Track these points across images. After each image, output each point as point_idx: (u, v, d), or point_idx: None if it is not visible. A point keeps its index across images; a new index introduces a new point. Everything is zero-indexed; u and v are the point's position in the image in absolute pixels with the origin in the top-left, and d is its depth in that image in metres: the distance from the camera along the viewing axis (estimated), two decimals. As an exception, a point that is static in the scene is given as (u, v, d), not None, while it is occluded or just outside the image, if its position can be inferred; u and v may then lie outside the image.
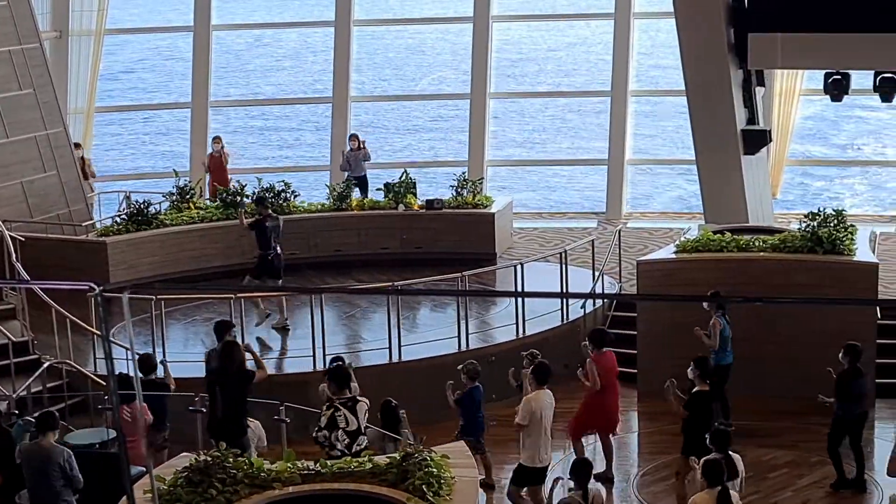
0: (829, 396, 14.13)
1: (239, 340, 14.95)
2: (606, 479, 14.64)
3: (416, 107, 50.66)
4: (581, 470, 11.30)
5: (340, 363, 13.72)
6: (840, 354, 14.16)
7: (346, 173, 23.07)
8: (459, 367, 14.51)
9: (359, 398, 12.46)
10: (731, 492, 10.85)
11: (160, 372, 14.66)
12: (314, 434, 12.37)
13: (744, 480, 11.87)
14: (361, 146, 23.17)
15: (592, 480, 11.65)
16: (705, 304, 15.62)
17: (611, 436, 14.93)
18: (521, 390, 14.43)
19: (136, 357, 14.51)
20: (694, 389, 13.52)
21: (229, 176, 23.81)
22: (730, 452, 11.65)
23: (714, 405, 13.81)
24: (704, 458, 11.18)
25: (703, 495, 10.75)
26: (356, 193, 22.41)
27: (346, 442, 12.13)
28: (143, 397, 13.29)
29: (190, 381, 14.87)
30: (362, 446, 12.13)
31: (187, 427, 14.07)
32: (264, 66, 60.36)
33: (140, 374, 13.89)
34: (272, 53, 62.10)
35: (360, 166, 23.10)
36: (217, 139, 24.20)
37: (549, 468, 13.53)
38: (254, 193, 21.05)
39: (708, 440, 11.78)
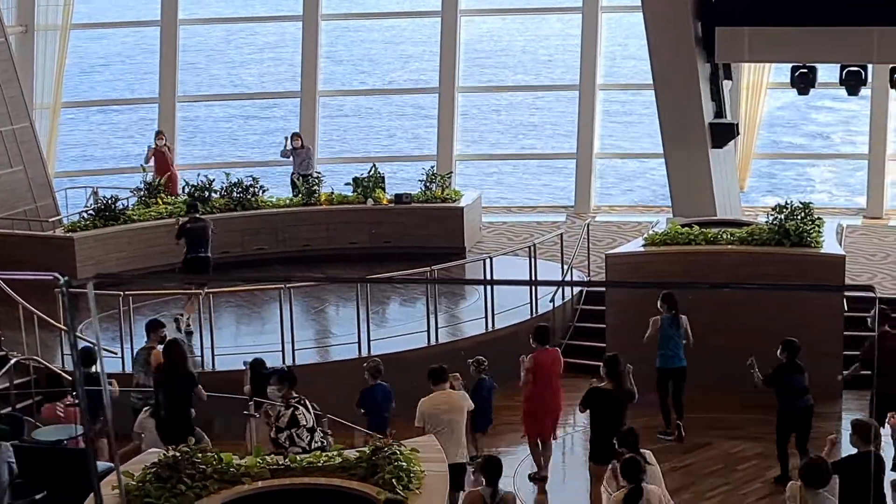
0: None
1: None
2: (541, 478, 14.66)
3: (389, 101, 50.60)
4: (491, 468, 11.10)
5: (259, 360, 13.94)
6: (778, 351, 14.22)
7: (295, 170, 23.00)
8: (364, 364, 14.44)
9: (302, 397, 12.74)
10: (648, 486, 10.76)
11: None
12: (273, 436, 12.44)
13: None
14: (304, 146, 23.13)
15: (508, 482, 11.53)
16: (658, 304, 15.66)
17: (551, 437, 14.80)
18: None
19: (81, 348, 14.46)
20: (592, 385, 13.41)
21: (176, 172, 23.59)
22: (640, 451, 11.42)
23: (615, 405, 13.26)
24: (623, 458, 11.00)
25: (623, 492, 10.67)
26: (294, 192, 22.43)
27: (308, 439, 12.19)
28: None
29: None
30: (319, 442, 12.19)
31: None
32: (242, 60, 60.23)
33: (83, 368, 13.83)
34: (251, 47, 61.90)
35: (301, 165, 22.97)
36: (160, 134, 23.97)
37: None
38: (191, 192, 21.07)
39: (617, 443, 11.52)
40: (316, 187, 22.00)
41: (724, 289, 17.24)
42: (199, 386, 13.73)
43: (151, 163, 23.38)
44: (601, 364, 13.49)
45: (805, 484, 10.68)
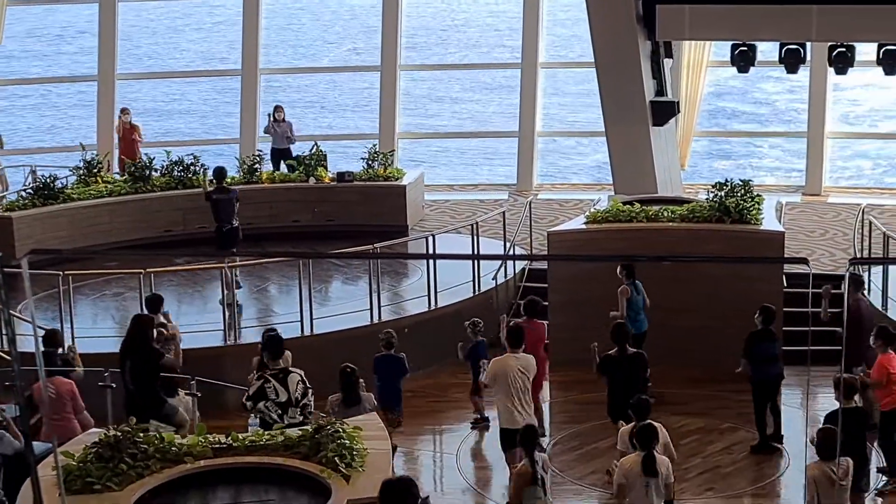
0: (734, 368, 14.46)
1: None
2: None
3: (330, 79, 50.42)
4: (531, 435, 11.50)
5: (273, 332, 13.66)
6: (755, 315, 14.45)
7: (271, 146, 22.96)
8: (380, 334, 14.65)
9: (291, 369, 12.36)
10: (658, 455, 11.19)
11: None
12: (243, 401, 12.34)
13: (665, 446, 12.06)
14: (286, 120, 23.07)
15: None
16: (618, 272, 15.82)
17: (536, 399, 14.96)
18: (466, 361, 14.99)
19: (43, 333, 14.33)
20: (605, 353, 13.77)
21: (140, 149, 23.50)
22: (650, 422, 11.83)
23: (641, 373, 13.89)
24: (637, 425, 11.42)
25: (634, 456, 11.14)
26: (282, 168, 22.33)
27: (277, 413, 12.07)
28: (55, 373, 13.20)
29: (100, 357, 14.75)
30: (296, 419, 12.00)
31: (96, 402, 13.94)
32: (185, 38, 59.79)
33: (45, 349, 13.69)
34: (193, 25, 61.48)
35: (281, 139, 22.94)
36: (125, 111, 23.85)
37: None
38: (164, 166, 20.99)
39: (632, 412, 11.98)
40: (258, 165, 21.86)
41: (664, 262, 17.34)
42: (167, 356, 13.49)
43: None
44: (610, 332, 13.80)
45: (823, 458, 10.91)
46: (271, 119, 23.04)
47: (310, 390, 12.31)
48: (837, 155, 32.24)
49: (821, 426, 11.29)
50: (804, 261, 16.65)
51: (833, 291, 15.33)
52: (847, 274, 15.76)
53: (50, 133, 44.06)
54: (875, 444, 13.52)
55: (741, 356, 14.46)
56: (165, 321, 14.88)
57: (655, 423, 11.63)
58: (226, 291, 17.22)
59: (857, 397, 12.48)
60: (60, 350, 14.14)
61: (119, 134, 23.70)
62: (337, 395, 12.85)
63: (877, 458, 13.58)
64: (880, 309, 16.55)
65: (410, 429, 15.11)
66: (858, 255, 17.98)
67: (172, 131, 42.63)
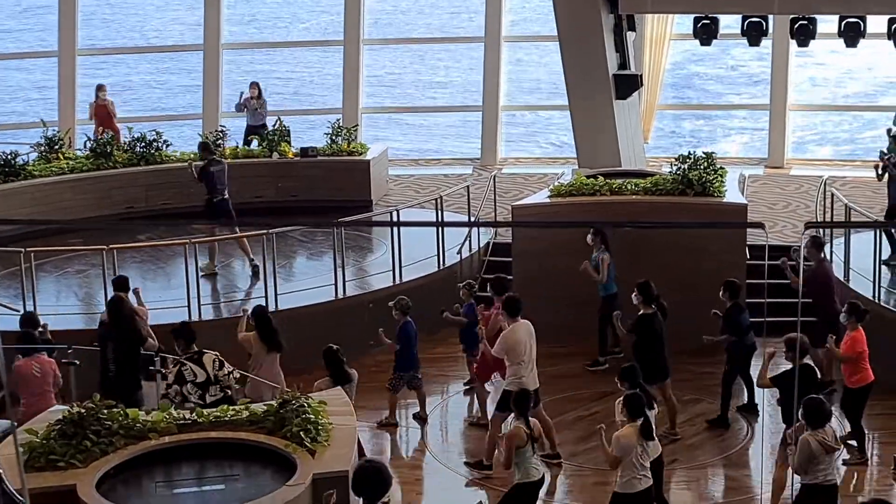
0: (714, 335, 14.55)
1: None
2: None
3: (292, 54, 50.18)
4: (524, 400, 11.76)
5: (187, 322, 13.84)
6: (720, 292, 14.50)
7: (246, 122, 22.86)
8: (391, 302, 14.86)
9: (205, 350, 12.47)
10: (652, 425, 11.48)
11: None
12: (164, 392, 12.36)
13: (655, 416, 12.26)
14: (261, 96, 22.96)
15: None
16: (589, 239, 15.97)
17: None
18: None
19: (21, 314, 14.32)
20: (639, 313, 14.03)
21: (118, 125, 23.31)
22: (643, 386, 12.21)
23: (661, 331, 14.12)
24: (625, 394, 11.65)
25: (628, 428, 11.26)
26: (255, 144, 22.23)
27: (198, 394, 12.08)
28: (38, 351, 13.17)
29: (64, 334, 14.68)
30: (217, 396, 12.06)
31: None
32: (146, 13, 59.35)
33: (27, 330, 13.64)
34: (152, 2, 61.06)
35: (257, 115, 22.82)
36: (101, 87, 23.64)
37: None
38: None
39: (618, 379, 12.22)
40: (221, 141, 21.76)
41: (625, 227, 17.45)
42: (149, 340, 13.57)
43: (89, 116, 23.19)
44: (635, 291, 14.12)
45: (813, 427, 11.02)
46: (246, 96, 22.91)
47: (226, 366, 12.37)
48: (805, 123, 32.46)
49: (809, 397, 11.33)
50: (760, 225, 16.78)
51: (790, 263, 15.44)
52: (805, 239, 15.86)
53: (9, 109, 43.70)
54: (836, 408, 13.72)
55: (721, 330, 14.52)
56: (137, 300, 14.83)
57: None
58: (198, 264, 17.26)
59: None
60: (39, 329, 14.08)
61: (92, 113, 23.36)
62: (325, 379, 12.88)
63: (839, 426, 13.67)
64: (842, 279, 16.66)
65: (376, 403, 15.12)
66: (820, 231, 18.06)
67: (134, 107, 42.35)
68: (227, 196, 18.20)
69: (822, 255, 15.61)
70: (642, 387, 12.17)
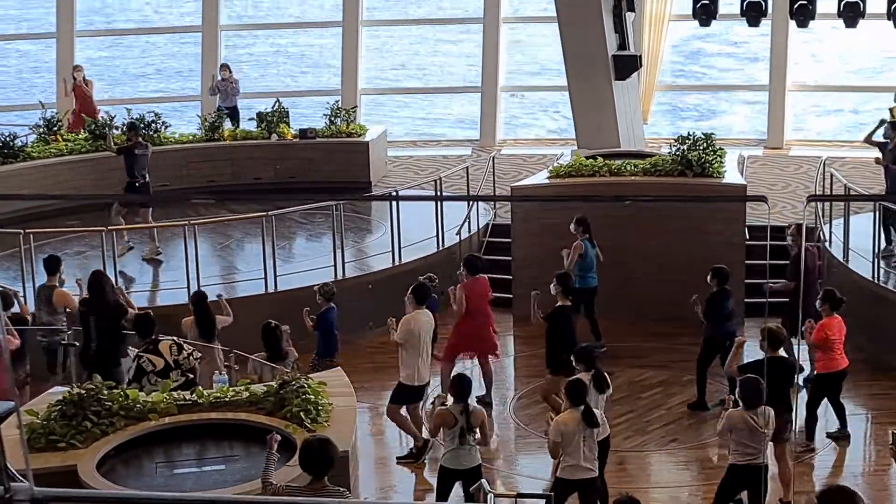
0: (698, 321, 14.51)
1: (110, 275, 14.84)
2: (485, 403, 14.78)
3: (290, 35, 50.07)
4: (460, 385, 11.49)
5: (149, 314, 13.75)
6: (708, 277, 14.45)
7: (218, 104, 22.86)
8: (315, 287, 14.62)
9: (161, 337, 12.27)
10: (594, 410, 11.23)
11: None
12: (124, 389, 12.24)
13: (609, 398, 12.20)
14: (232, 77, 22.95)
15: (473, 398, 11.81)
16: (572, 227, 15.86)
17: (490, 360, 15.04)
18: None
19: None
20: (556, 304, 13.81)
21: (97, 107, 23.31)
22: (599, 368, 12.04)
23: (573, 325, 13.99)
24: (569, 378, 11.51)
25: (567, 414, 11.13)
26: (227, 124, 22.19)
27: (158, 383, 11.88)
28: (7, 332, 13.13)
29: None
30: (180, 380, 11.91)
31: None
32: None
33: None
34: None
35: (230, 97, 22.85)
36: (78, 68, 23.60)
37: (429, 387, 13.76)
38: (124, 123, 20.75)
39: (574, 360, 12.09)
40: (218, 122, 21.74)
41: (625, 202, 17.47)
42: (131, 311, 13.51)
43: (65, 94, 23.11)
44: (554, 281, 13.87)
45: (748, 406, 11.06)
46: (217, 79, 22.91)
47: (185, 348, 12.22)
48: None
49: (747, 376, 11.37)
50: (763, 199, 16.76)
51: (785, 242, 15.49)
52: (808, 212, 15.88)
53: (9, 91, 43.61)
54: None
55: (701, 318, 14.47)
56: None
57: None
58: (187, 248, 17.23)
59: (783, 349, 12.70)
60: (11, 312, 14.06)
61: (65, 93, 23.26)
62: (262, 354, 12.91)
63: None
64: (841, 260, 16.67)
65: (375, 384, 15.14)
66: (819, 208, 18.06)
67: (132, 88, 42.28)
68: (147, 181, 18.19)
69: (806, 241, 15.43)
70: (598, 370, 12.05)
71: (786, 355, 12.85)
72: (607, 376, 12.21)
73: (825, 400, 13.63)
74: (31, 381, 13.65)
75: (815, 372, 13.72)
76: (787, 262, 15.50)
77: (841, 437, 13.66)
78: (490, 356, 15.04)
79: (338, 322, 14.28)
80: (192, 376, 12.00)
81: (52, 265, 14.77)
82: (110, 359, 12.90)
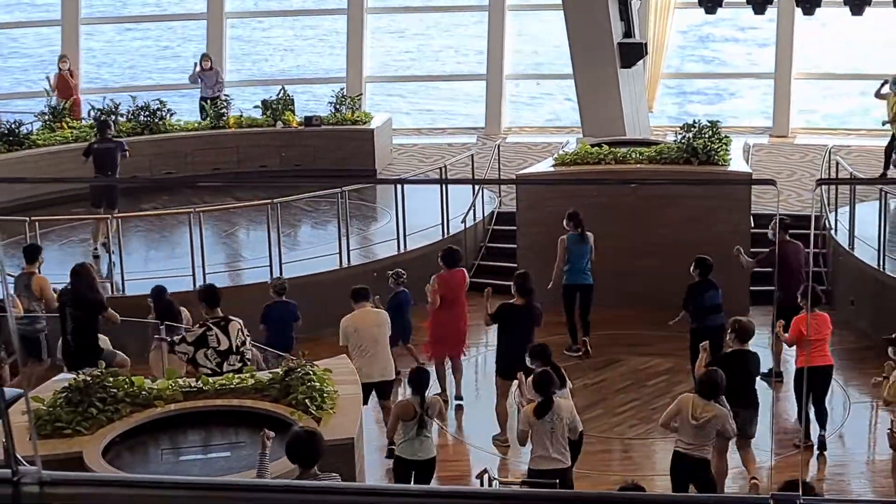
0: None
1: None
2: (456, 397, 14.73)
3: (294, 23, 50.00)
4: (418, 377, 11.65)
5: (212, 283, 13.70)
6: (691, 268, 14.39)
7: (201, 94, 22.82)
8: (270, 281, 14.67)
9: (231, 318, 12.21)
10: (559, 399, 11.24)
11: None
12: (174, 347, 12.16)
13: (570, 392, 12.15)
14: (213, 68, 22.90)
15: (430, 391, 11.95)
16: (564, 223, 15.74)
17: (461, 356, 14.85)
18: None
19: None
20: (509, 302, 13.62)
21: (80, 96, 23.25)
22: (554, 364, 11.99)
23: (525, 321, 13.51)
24: (534, 372, 11.53)
25: (533, 405, 11.23)
26: (198, 115, 22.23)
27: (216, 361, 11.92)
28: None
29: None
30: (235, 366, 11.90)
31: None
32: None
33: None
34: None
35: (210, 88, 22.74)
36: (63, 58, 23.57)
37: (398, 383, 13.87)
38: (99, 114, 20.79)
39: (529, 357, 12.08)
40: (224, 110, 21.80)
41: (631, 185, 17.44)
42: (110, 310, 13.50)
43: (50, 86, 23.03)
44: (512, 282, 13.65)
45: (701, 394, 11.10)
46: (198, 68, 22.89)
47: (248, 338, 12.23)
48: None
49: (710, 369, 11.39)
50: (772, 182, 16.73)
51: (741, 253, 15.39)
52: (817, 196, 15.85)
53: (14, 78, 43.61)
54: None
55: (683, 309, 14.44)
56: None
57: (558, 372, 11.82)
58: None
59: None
60: None
61: (54, 83, 23.21)
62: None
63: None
64: (846, 248, 16.66)
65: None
66: (826, 198, 18.05)
67: (138, 75, 42.30)
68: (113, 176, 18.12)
69: (787, 235, 15.24)
70: (554, 365, 11.91)
71: (749, 349, 12.71)
72: (563, 371, 12.09)
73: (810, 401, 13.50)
74: (12, 368, 13.65)
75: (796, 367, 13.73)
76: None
77: (819, 444, 13.24)
78: (461, 352, 14.81)
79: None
80: (244, 367, 11.96)
81: (32, 253, 14.75)
82: (91, 353, 12.82)
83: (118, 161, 18.00)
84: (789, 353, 14.65)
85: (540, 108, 36.63)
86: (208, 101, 22.27)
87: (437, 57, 46.62)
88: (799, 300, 13.56)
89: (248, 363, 12.08)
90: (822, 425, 13.29)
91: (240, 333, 12.09)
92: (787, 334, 13.26)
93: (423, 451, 11.56)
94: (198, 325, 12.17)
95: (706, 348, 12.35)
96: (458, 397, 14.68)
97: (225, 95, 22.65)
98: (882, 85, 19.54)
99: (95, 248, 17.78)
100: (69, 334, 13.14)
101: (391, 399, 13.46)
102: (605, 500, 3.52)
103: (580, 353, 15.69)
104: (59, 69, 23.14)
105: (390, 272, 15.05)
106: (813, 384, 13.36)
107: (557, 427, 11.11)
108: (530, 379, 11.54)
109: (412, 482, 11.47)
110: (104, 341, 13.42)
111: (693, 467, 11.13)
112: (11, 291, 14.62)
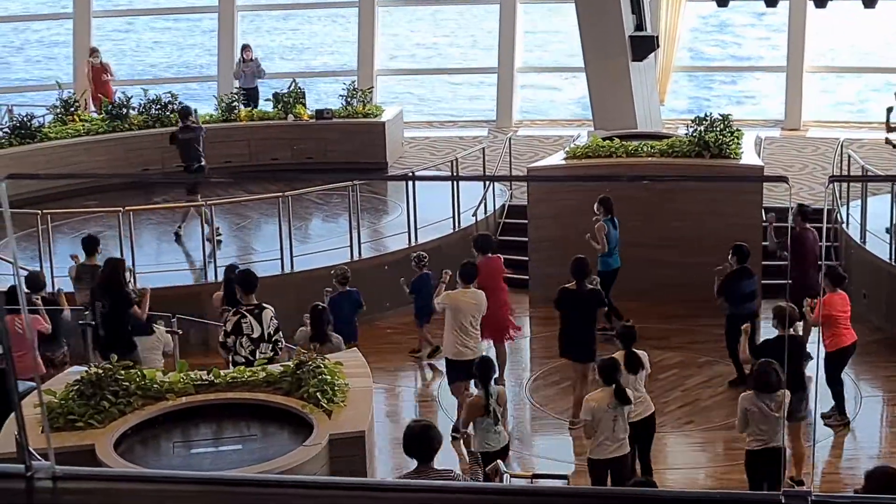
0: (714, 298, 14.50)
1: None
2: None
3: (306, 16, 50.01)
4: (484, 368, 11.58)
5: (238, 268, 13.70)
6: (729, 255, 14.44)
7: (238, 84, 22.87)
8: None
9: (264, 305, 12.25)
10: (626, 389, 11.29)
11: (49, 290, 14.47)
12: (221, 339, 12.20)
13: (648, 377, 12.24)
14: (254, 58, 22.94)
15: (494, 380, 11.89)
16: (595, 207, 15.82)
17: (505, 342, 14.97)
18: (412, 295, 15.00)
19: (25, 274, 14.29)
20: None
21: (112, 88, 23.34)
22: (634, 349, 12.09)
23: (584, 305, 13.90)
24: (600, 358, 11.57)
25: (598, 392, 11.23)
26: (242, 106, 22.19)
27: (249, 349, 11.97)
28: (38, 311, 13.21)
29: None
30: (266, 354, 11.94)
31: (77, 341, 13.98)
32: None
33: (28, 292, 13.63)
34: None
35: (250, 78, 22.83)
36: (94, 52, 23.63)
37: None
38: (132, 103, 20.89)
39: (618, 339, 12.35)
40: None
41: (643, 181, 17.44)
42: (136, 306, 13.54)
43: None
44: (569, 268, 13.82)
45: (755, 389, 11.05)
46: (241, 60, 22.92)
47: (279, 329, 12.26)
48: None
49: (763, 361, 11.34)
50: (784, 179, 16.71)
51: (776, 224, 15.45)
52: (829, 191, 15.85)
53: (26, 71, 43.68)
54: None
55: (721, 296, 14.45)
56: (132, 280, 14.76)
57: (639, 352, 11.91)
58: (205, 228, 17.26)
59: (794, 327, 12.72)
60: (50, 292, 14.10)
61: (90, 76, 23.41)
62: (306, 331, 12.93)
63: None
64: (858, 241, 16.63)
65: (392, 364, 15.18)
66: (837, 189, 18.01)
67: (148, 69, 42.31)
68: (201, 164, 18.19)
69: (807, 223, 15.33)
70: (632, 351, 12.06)
71: (795, 334, 12.86)
72: (641, 356, 12.14)
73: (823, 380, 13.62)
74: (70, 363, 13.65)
75: (826, 350, 13.70)
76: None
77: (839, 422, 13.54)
78: (506, 338, 14.96)
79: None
80: (276, 355, 12.00)
81: (92, 245, 14.77)
82: (123, 344, 12.91)
83: (202, 146, 18.16)
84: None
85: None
86: (243, 93, 22.27)
87: (454, 49, 46.55)
88: (820, 281, 13.63)
89: (280, 352, 12.12)
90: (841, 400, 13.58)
91: (272, 321, 12.11)
92: (813, 314, 13.38)
93: (499, 442, 11.62)
94: (232, 313, 12.20)
95: (747, 331, 12.47)
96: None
97: (237, 89, 22.63)
98: (888, 115, 19.24)
99: (179, 227, 18.16)
100: (100, 329, 13.24)
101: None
102: (617, 496, 3.52)
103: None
104: (90, 63, 23.18)
105: (413, 255, 15.24)
106: (845, 362, 13.56)
107: (620, 414, 11.16)
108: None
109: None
110: (157, 337, 13.49)
111: (774, 457, 11.11)
112: (70, 285, 14.70)
